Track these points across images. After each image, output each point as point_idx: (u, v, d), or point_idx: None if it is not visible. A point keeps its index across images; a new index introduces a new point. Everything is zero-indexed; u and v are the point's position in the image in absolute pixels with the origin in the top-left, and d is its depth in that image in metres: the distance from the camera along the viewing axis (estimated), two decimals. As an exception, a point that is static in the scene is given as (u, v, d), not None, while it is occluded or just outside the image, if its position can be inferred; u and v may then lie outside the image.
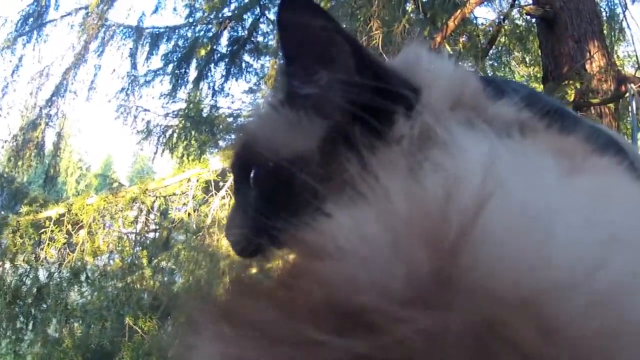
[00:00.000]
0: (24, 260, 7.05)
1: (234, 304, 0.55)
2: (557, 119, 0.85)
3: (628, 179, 0.70)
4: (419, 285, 0.43)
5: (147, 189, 7.04)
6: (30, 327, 7.12)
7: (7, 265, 7.09)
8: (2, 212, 8.24)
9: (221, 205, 6.79)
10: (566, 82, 6.28)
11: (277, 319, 0.47)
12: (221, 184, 7.03)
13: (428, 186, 0.53)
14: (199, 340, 0.53)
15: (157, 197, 7.26)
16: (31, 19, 10.46)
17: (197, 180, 6.98)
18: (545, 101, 1.01)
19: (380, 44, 7.04)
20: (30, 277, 7.06)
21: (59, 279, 7.05)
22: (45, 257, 7.01)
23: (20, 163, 9.96)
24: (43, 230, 7.01)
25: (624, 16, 9.28)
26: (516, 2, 8.46)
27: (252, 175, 0.96)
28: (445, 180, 0.53)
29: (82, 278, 7.15)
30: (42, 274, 7.16)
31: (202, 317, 0.57)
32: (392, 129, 0.82)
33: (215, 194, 6.87)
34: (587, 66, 6.59)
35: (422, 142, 0.78)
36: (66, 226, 6.95)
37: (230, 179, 6.72)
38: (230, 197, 6.72)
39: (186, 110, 11.14)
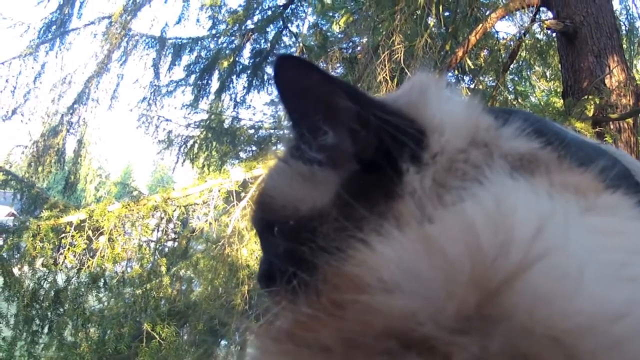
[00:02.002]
0: (42, 265, 7.06)
1: (296, 327, 0.59)
2: (570, 151, 0.87)
3: (637, 217, 0.73)
4: (467, 319, 0.50)
5: (169, 198, 7.07)
6: (45, 330, 7.12)
7: (26, 268, 7.10)
8: (21, 217, 8.30)
9: (242, 215, 6.80)
10: (586, 97, 6.25)
11: (342, 344, 0.52)
12: (242, 194, 7.05)
13: (472, 232, 0.58)
14: (261, 357, 0.61)
15: (178, 206, 7.28)
16: (54, 27, 10.51)
17: (219, 191, 7.00)
18: (555, 131, 1.01)
19: (402, 58, 7.05)
20: (49, 281, 7.08)
21: (77, 284, 7.07)
22: (65, 262, 7.03)
23: (40, 169, 10.01)
24: (63, 235, 7.03)
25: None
26: (537, 16, 8.42)
27: (275, 230, 0.97)
28: (489, 229, 0.58)
29: (101, 284, 7.16)
30: (61, 279, 7.17)
31: (263, 337, 0.64)
32: (402, 180, 0.84)
33: (237, 204, 6.88)
34: (607, 81, 6.53)
35: (436, 192, 0.81)
36: (86, 232, 6.97)
37: (252, 190, 6.74)
38: (251, 207, 6.71)
39: (208, 121, 11.16)
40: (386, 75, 7.08)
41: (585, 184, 0.77)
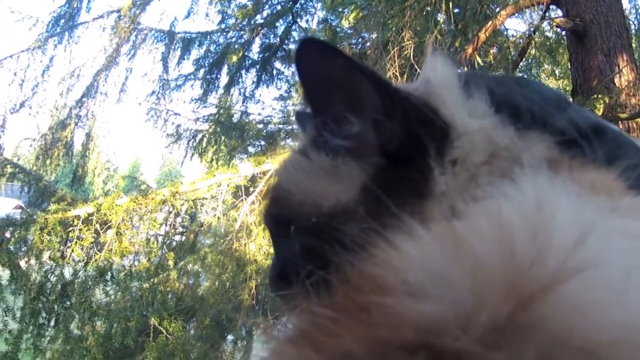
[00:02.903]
0: (49, 258, 7.07)
1: (315, 330, 0.56)
2: (592, 146, 0.83)
3: None
4: (499, 330, 0.47)
5: (177, 192, 7.06)
6: (52, 323, 7.13)
7: (33, 261, 7.11)
8: (29, 210, 8.31)
9: (250, 210, 6.79)
10: (595, 96, 6.22)
11: (368, 353, 0.50)
12: (251, 189, 7.04)
13: (506, 233, 0.55)
14: None
15: (186, 200, 7.27)
16: (62, 21, 10.54)
17: (228, 185, 6.99)
18: (582, 118, 0.94)
19: (411, 54, 7.04)
20: (56, 274, 7.08)
21: (84, 277, 7.07)
22: (72, 255, 7.03)
23: (48, 162, 10.05)
24: (71, 228, 7.03)
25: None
26: (547, 14, 8.41)
27: (292, 228, 0.92)
28: (526, 233, 0.55)
29: (108, 277, 7.16)
30: (68, 272, 7.17)
31: (279, 340, 0.62)
32: (430, 176, 0.81)
33: (245, 199, 6.87)
34: (616, 80, 6.53)
35: (465, 189, 0.78)
36: (94, 225, 6.97)
37: (260, 184, 6.73)
38: (260, 202, 6.72)
39: (217, 116, 11.20)
40: (396, 71, 7.06)
41: (609, 183, 0.74)
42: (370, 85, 0.85)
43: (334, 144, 0.89)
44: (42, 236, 6.85)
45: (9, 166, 9.01)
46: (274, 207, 0.97)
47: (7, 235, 7.14)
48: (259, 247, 6.72)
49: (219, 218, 7.08)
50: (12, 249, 7.09)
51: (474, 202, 0.69)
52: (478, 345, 0.47)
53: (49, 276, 7.09)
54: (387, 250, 0.59)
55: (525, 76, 11.24)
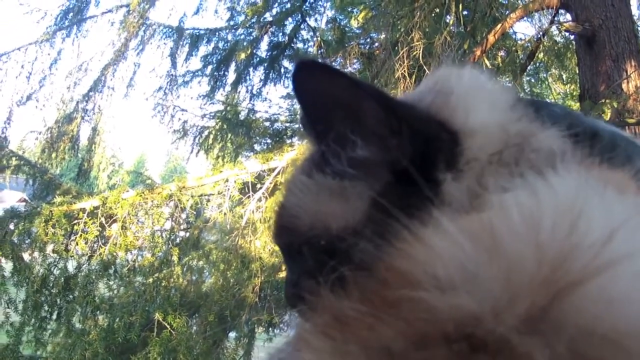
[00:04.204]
0: (53, 251, 7.05)
1: (348, 325, 0.57)
2: (603, 147, 0.82)
3: None
4: (533, 321, 0.49)
5: (184, 187, 7.05)
6: (54, 316, 7.12)
7: (37, 254, 7.10)
8: (33, 202, 8.30)
9: (257, 207, 6.79)
10: (603, 101, 6.21)
11: (408, 345, 0.51)
12: (258, 186, 7.04)
13: (538, 228, 0.56)
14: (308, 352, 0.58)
15: (192, 196, 7.26)
16: (71, 14, 10.53)
17: (235, 181, 6.98)
18: (588, 125, 0.96)
19: (420, 55, 7.04)
20: (59, 267, 7.07)
21: (87, 271, 7.06)
22: (76, 249, 7.02)
23: (53, 155, 10.05)
24: (76, 221, 7.02)
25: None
26: (556, 18, 8.41)
27: (304, 250, 0.90)
28: (559, 227, 0.56)
29: (111, 271, 7.15)
30: (71, 265, 7.16)
31: (310, 334, 0.61)
32: (441, 190, 0.79)
33: (252, 195, 6.86)
34: (624, 85, 6.50)
35: (479, 195, 0.76)
36: (99, 219, 6.96)
37: (267, 181, 6.73)
38: (267, 199, 6.73)
39: (223, 112, 11.22)
40: (404, 71, 7.05)
41: (624, 182, 0.73)
42: (374, 104, 0.83)
43: (340, 167, 0.87)
44: (47, 228, 6.83)
45: (14, 158, 9.03)
46: (283, 233, 0.96)
47: (11, 227, 7.12)
48: (264, 244, 6.71)
49: (225, 214, 7.07)
50: (16, 241, 7.05)
51: (495, 195, 0.69)
52: (515, 334, 0.48)
53: (52, 269, 7.07)
54: (414, 244, 0.60)
55: (533, 80, 11.29)
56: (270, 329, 7.48)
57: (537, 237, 0.54)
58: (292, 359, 0.64)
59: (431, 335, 0.50)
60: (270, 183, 6.70)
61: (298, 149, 6.64)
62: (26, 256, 7.17)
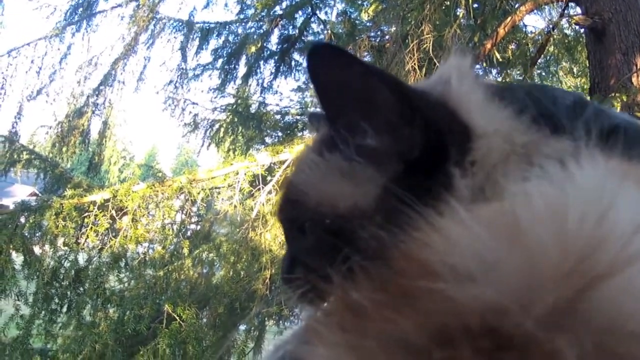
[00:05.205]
0: (64, 244, 7.07)
1: (361, 316, 0.55)
2: (616, 138, 0.79)
3: None
4: (559, 314, 0.47)
5: (194, 179, 7.05)
6: (64, 309, 7.14)
7: (47, 247, 7.11)
8: (44, 196, 8.32)
9: (267, 199, 6.79)
10: (612, 94, 6.18)
11: (430, 339, 0.49)
12: (269, 178, 7.03)
13: (563, 219, 0.54)
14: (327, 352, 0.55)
15: (203, 189, 7.26)
16: (80, 9, 10.56)
17: (245, 174, 6.97)
18: (603, 115, 0.95)
19: (430, 48, 7.03)
20: (70, 260, 7.08)
21: (98, 264, 7.07)
22: (86, 242, 7.03)
23: (64, 149, 10.09)
24: (86, 214, 7.04)
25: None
26: (566, 11, 8.39)
27: (306, 227, 0.90)
28: (587, 218, 0.54)
29: (122, 264, 7.16)
30: (82, 258, 7.18)
31: (323, 326, 0.58)
32: (452, 180, 0.78)
33: (262, 187, 6.86)
34: (634, 79, 6.46)
35: (485, 192, 0.76)
36: (110, 211, 6.97)
37: (278, 174, 6.72)
38: (277, 192, 6.72)
39: (234, 106, 11.26)
40: (414, 64, 7.04)
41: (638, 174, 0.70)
42: (388, 92, 0.82)
43: (349, 154, 0.86)
44: (57, 221, 6.85)
45: (24, 153, 9.04)
46: (289, 207, 0.95)
47: (22, 220, 7.13)
48: (274, 236, 6.71)
49: (235, 207, 7.07)
50: (27, 235, 7.07)
51: (514, 185, 0.68)
52: (541, 329, 0.46)
53: (62, 262, 7.08)
54: (431, 233, 0.58)
55: (543, 73, 11.26)
56: (280, 321, 7.51)
57: (564, 226, 0.53)
58: (302, 353, 0.59)
59: (453, 329, 0.48)
60: (281, 175, 6.68)
61: (309, 141, 6.63)
62: (37, 249, 7.19)
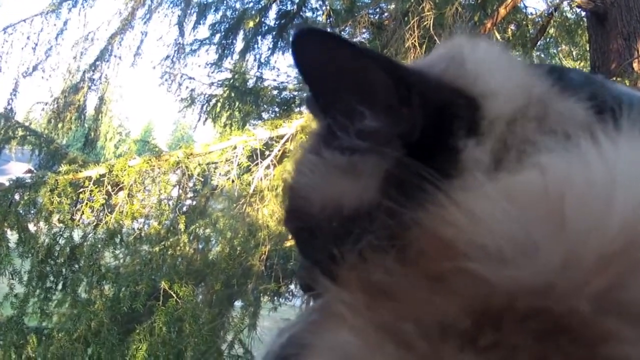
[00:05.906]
0: (59, 220, 7.03)
1: (391, 299, 0.52)
2: (631, 117, 0.74)
3: None
4: (599, 299, 0.45)
5: (191, 154, 7.01)
6: (59, 287, 7.13)
7: (42, 224, 7.08)
8: (39, 172, 8.28)
9: (265, 175, 6.76)
10: (614, 79, 6.15)
11: (477, 324, 0.47)
12: (266, 153, 6.99)
13: (605, 199, 0.51)
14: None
15: (200, 164, 7.21)
16: (78, -15, 10.48)
17: (243, 148, 6.92)
18: (615, 95, 0.88)
19: (431, 25, 7.01)
20: (65, 236, 7.06)
21: (93, 240, 7.04)
22: (82, 218, 6.99)
23: (60, 125, 10.10)
24: (82, 189, 6.99)
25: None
26: (568, -6, 8.39)
27: (317, 234, 0.87)
28: (627, 200, 0.51)
29: (117, 240, 7.13)
30: (77, 235, 7.15)
31: (346, 305, 0.55)
32: (460, 157, 0.76)
33: (260, 162, 6.81)
34: (635, 64, 6.57)
35: (500, 165, 0.74)
36: (105, 187, 6.93)
37: (276, 149, 6.69)
38: (275, 166, 6.71)
39: (231, 80, 11.32)
40: (415, 41, 7.00)
41: None
42: (381, 72, 0.79)
43: (349, 141, 0.83)
44: (52, 198, 6.82)
45: (19, 129, 9.00)
46: (293, 217, 0.93)
47: (17, 197, 7.10)
48: (271, 212, 6.69)
49: (232, 182, 7.03)
50: (21, 212, 7.03)
51: (540, 156, 0.65)
52: (587, 311, 0.45)
53: (57, 239, 7.08)
54: (453, 210, 0.56)
55: (543, 55, 11.28)
56: (276, 298, 7.52)
57: (608, 204, 0.50)
58: (320, 341, 0.56)
59: (497, 312, 0.46)
60: (279, 150, 6.68)
61: (306, 117, 6.59)
62: (31, 227, 7.16)
